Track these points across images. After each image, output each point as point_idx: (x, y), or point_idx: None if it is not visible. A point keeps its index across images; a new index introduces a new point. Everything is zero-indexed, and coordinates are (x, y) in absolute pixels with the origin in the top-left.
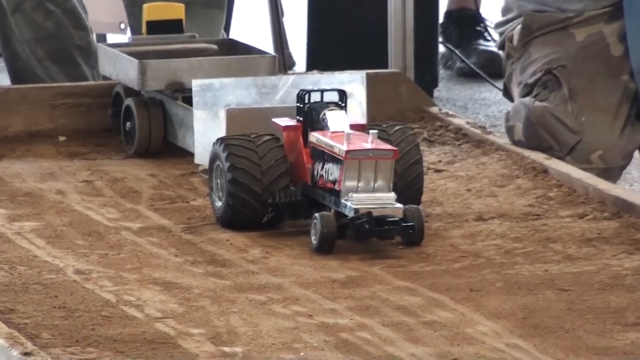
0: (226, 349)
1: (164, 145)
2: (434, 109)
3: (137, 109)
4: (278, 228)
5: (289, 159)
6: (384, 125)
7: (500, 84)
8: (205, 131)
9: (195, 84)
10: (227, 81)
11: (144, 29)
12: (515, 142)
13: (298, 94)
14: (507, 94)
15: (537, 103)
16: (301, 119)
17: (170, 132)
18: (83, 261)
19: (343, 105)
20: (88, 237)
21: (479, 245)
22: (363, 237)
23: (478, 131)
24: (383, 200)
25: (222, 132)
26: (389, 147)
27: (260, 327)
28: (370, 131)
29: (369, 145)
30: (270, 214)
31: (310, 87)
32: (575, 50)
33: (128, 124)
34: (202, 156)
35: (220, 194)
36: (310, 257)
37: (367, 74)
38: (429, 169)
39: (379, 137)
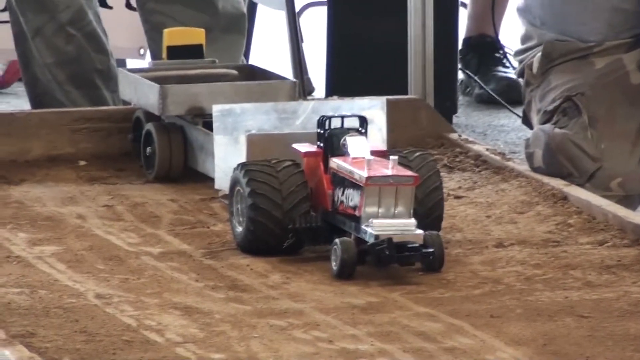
0: None
1: (184, 170)
2: (454, 136)
3: (158, 134)
4: (298, 254)
5: (309, 184)
6: (405, 152)
7: (519, 111)
8: (225, 156)
9: (216, 109)
10: (247, 106)
11: (164, 53)
12: (535, 169)
13: (318, 120)
14: (527, 121)
15: (557, 130)
16: (322, 144)
17: (191, 157)
18: (104, 285)
19: (363, 131)
20: (109, 262)
21: (499, 272)
22: (384, 263)
23: (498, 158)
24: (403, 226)
25: (243, 158)
26: (409, 173)
27: (281, 352)
28: (391, 157)
29: (389, 172)
30: (291, 240)
31: (330, 113)
32: (594, 78)
33: (148, 149)
34: (222, 181)
35: (241, 219)
36: (330, 283)
37: (387, 100)
38: (448, 195)
39: (400, 164)
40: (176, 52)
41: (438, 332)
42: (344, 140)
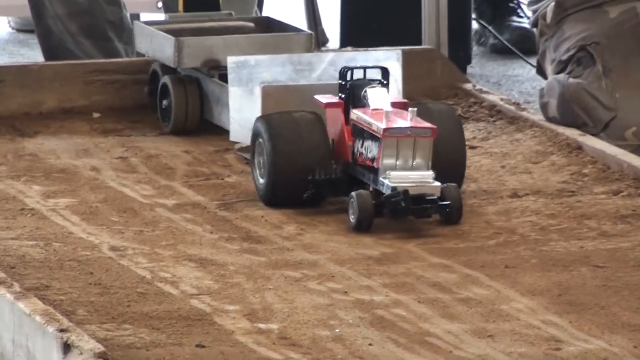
0: (262, 325)
1: (200, 123)
2: (468, 86)
3: (174, 87)
4: (318, 205)
5: (330, 136)
6: (427, 103)
7: (533, 61)
8: (240, 108)
9: (231, 60)
10: (262, 58)
11: (180, 6)
12: (550, 119)
13: (340, 71)
14: (541, 71)
15: (571, 80)
16: (343, 96)
17: (207, 110)
18: (118, 238)
19: (385, 83)
20: (123, 214)
21: (513, 222)
22: (399, 215)
23: (512, 108)
24: (421, 178)
25: (258, 110)
26: (428, 125)
27: (296, 303)
28: (410, 109)
29: (407, 123)
30: (311, 191)
31: (351, 65)
32: (608, 27)
33: (164, 101)
34: (237, 133)
35: (262, 171)
36: (345, 234)
37: (402, 51)
38: None
39: (420, 115)
40: (192, 4)
41: (453, 283)
42: (365, 91)
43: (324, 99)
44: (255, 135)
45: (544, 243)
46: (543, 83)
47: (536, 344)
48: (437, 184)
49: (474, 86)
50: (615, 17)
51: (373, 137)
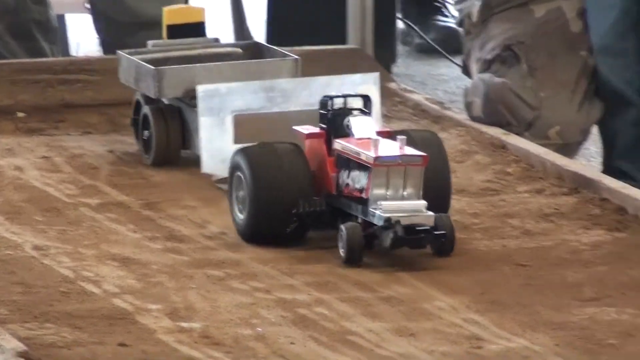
0: (184, 324)
1: (181, 154)
2: (393, 85)
3: (155, 118)
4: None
5: (311, 167)
6: (411, 131)
7: (458, 60)
8: (211, 138)
9: (200, 89)
10: (233, 86)
11: (164, 33)
12: (474, 118)
13: (321, 100)
14: (466, 70)
15: (496, 79)
16: (325, 126)
17: (188, 140)
18: (41, 237)
19: (367, 111)
20: (46, 213)
21: None
22: (394, 246)
23: (436, 107)
24: (414, 208)
25: (230, 140)
26: (418, 153)
27: (218, 302)
28: (399, 137)
29: (397, 152)
30: (295, 225)
31: (333, 93)
32: (534, 26)
33: (146, 132)
34: (209, 164)
35: (242, 206)
36: None
37: (325, 50)
38: None
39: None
40: (177, 31)
41: (375, 282)
42: (348, 120)
43: (304, 129)
44: (234, 168)
45: (467, 242)
46: (468, 82)
47: (458, 343)
48: (430, 213)
49: (398, 85)
50: (541, 17)
51: (361, 167)
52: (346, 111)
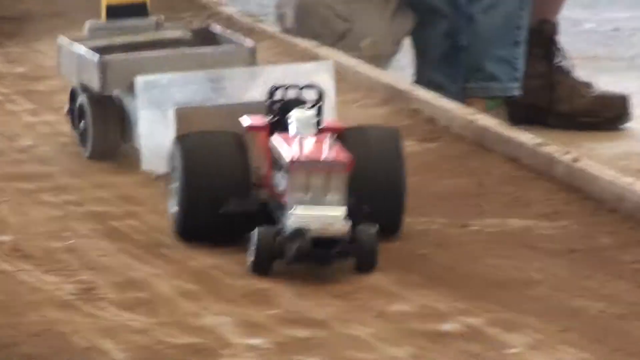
0: None
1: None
2: None
3: (92, 108)
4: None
5: (255, 162)
6: (366, 128)
7: None
8: (152, 133)
9: (140, 81)
10: (175, 77)
11: (103, 13)
12: (286, 30)
13: (269, 90)
14: None
15: None
16: (269, 118)
17: (128, 133)
18: None
19: (317, 105)
20: None
21: None
22: (298, 259)
23: (249, 20)
24: (329, 217)
25: (172, 134)
26: (342, 157)
27: (30, 216)
28: (329, 136)
29: (320, 155)
30: (227, 223)
31: (281, 82)
32: None
33: (82, 124)
34: (149, 161)
35: (175, 198)
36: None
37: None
38: None
39: (353, 142)
40: (117, 11)
41: None
42: (290, 115)
43: (249, 120)
44: (171, 158)
45: None
46: None
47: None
48: (346, 224)
49: None
50: None
51: (282, 169)
52: (294, 103)
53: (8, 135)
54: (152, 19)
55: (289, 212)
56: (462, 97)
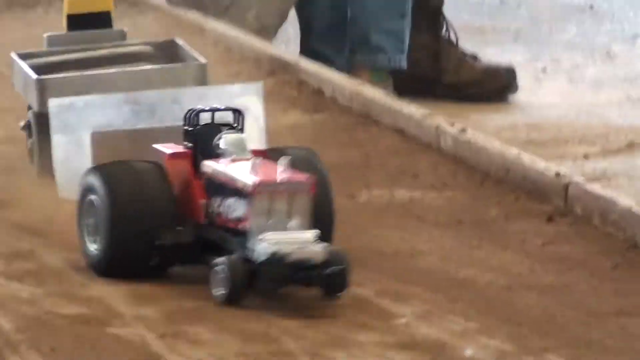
0: None
1: None
2: None
3: (38, 126)
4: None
5: (175, 192)
6: (287, 149)
7: None
8: (67, 159)
9: (53, 104)
10: (92, 99)
11: (64, 23)
12: (172, 2)
13: (186, 115)
14: None
15: None
16: (190, 145)
17: None
18: None
19: (239, 127)
20: None
21: None
22: (276, 285)
23: None
24: (300, 241)
25: (88, 161)
26: (305, 178)
27: None
28: (282, 158)
29: (281, 177)
30: (158, 258)
31: (199, 106)
32: None
33: (29, 141)
34: (65, 188)
35: (95, 236)
36: None
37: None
38: None
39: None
40: (78, 21)
41: None
42: (219, 138)
43: (166, 148)
44: (86, 190)
45: None
46: None
47: None
48: (321, 246)
49: None
50: None
51: (238, 194)
52: (216, 127)
53: None
54: (115, 30)
55: (255, 239)
56: (349, 68)
